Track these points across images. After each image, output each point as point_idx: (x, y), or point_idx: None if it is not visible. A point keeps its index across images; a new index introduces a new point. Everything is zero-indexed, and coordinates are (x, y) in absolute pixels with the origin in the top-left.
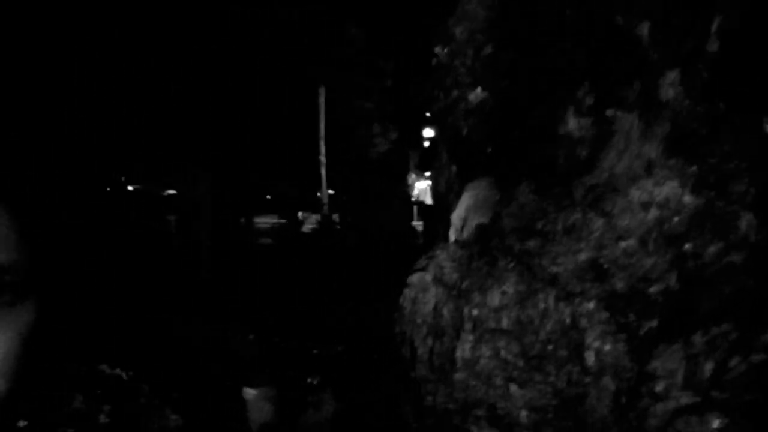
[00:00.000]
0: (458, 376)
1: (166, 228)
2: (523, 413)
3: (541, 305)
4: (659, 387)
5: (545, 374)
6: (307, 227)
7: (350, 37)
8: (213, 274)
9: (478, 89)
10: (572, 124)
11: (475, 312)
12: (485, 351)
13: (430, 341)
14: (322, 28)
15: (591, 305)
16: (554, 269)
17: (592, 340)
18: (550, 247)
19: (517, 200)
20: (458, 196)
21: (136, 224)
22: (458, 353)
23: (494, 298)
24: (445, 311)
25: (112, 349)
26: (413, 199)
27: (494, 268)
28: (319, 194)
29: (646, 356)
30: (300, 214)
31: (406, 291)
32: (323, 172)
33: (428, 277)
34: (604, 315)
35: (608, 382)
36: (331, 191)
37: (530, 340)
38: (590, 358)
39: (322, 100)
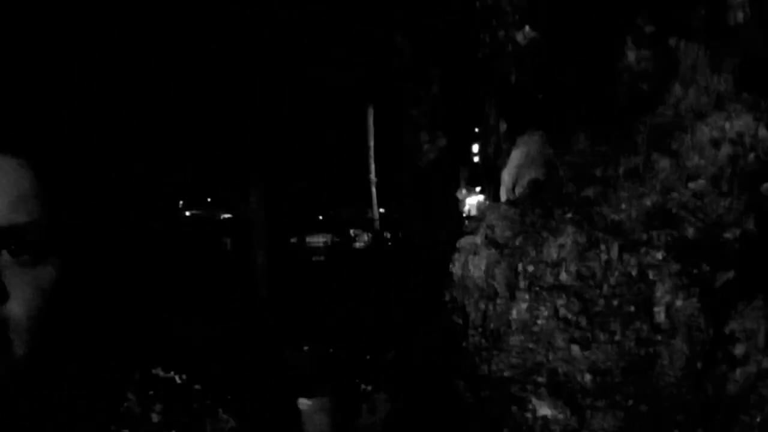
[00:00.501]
0: (514, 339)
1: (223, 250)
2: (587, 377)
3: (604, 257)
4: (738, 350)
5: (610, 333)
6: (358, 244)
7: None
8: (269, 290)
9: (526, 28)
10: (631, 56)
11: (530, 268)
12: (543, 310)
13: (482, 305)
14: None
15: (659, 255)
16: (617, 217)
17: (661, 294)
18: (611, 194)
19: (573, 148)
20: (508, 154)
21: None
22: (513, 315)
23: (551, 252)
24: (497, 272)
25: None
26: (464, 215)
27: (550, 220)
28: (370, 213)
29: (722, 313)
30: (352, 231)
31: (456, 256)
32: (374, 190)
33: (478, 239)
34: (675, 266)
35: (681, 344)
36: (382, 210)
37: (592, 296)
38: (660, 314)
39: (371, 119)
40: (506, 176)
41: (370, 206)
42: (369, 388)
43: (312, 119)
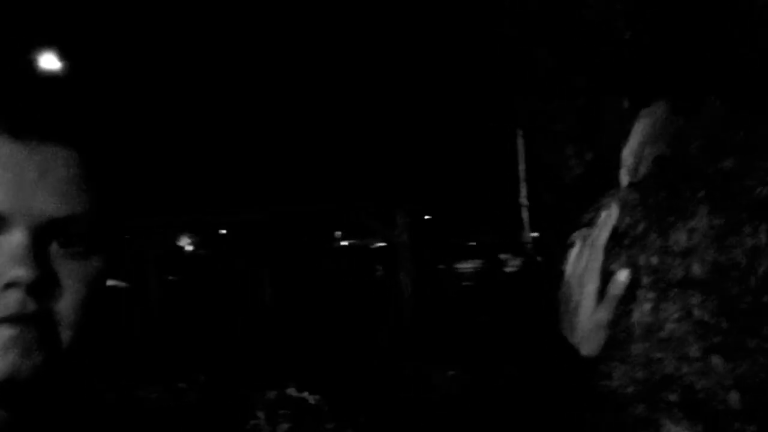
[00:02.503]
0: (637, 348)
1: (375, 276)
2: (734, 396)
3: (749, 242)
4: None
5: (761, 339)
6: (509, 269)
7: (540, 58)
8: (415, 314)
9: None
10: None
11: (654, 261)
12: (672, 312)
13: None
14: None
15: None
16: (765, 190)
17: None
18: (757, 164)
19: (705, 116)
20: (629, 132)
21: (348, 273)
22: (635, 317)
23: (680, 239)
24: (615, 267)
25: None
26: None
27: (677, 200)
28: (522, 237)
29: None
30: (502, 256)
31: (570, 252)
32: (525, 214)
33: (599, 240)
34: None
35: None
36: (535, 233)
37: (736, 292)
38: None
39: (520, 141)
40: (627, 155)
41: (522, 230)
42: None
43: (459, 143)
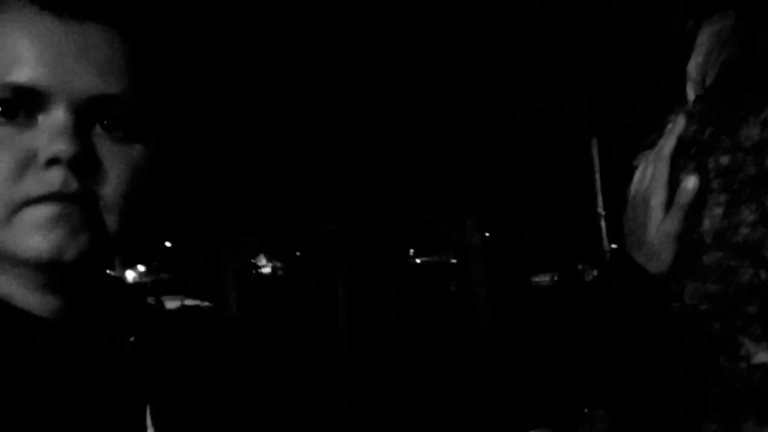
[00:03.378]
0: (709, 258)
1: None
2: None
3: None
4: None
5: None
6: (586, 279)
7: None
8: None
9: None
10: None
11: (724, 161)
12: (746, 213)
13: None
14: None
15: None
16: None
17: None
18: None
19: None
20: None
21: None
22: (706, 225)
23: (752, 133)
24: (682, 175)
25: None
26: None
27: (748, 94)
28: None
29: None
30: (579, 266)
31: (634, 177)
32: (603, 224)
33: (664, 150)
34: None
35: None
36: (614, 245)
37: None
38: None
39: (595, 150)
40: (692, 68)
41: (600, 241)
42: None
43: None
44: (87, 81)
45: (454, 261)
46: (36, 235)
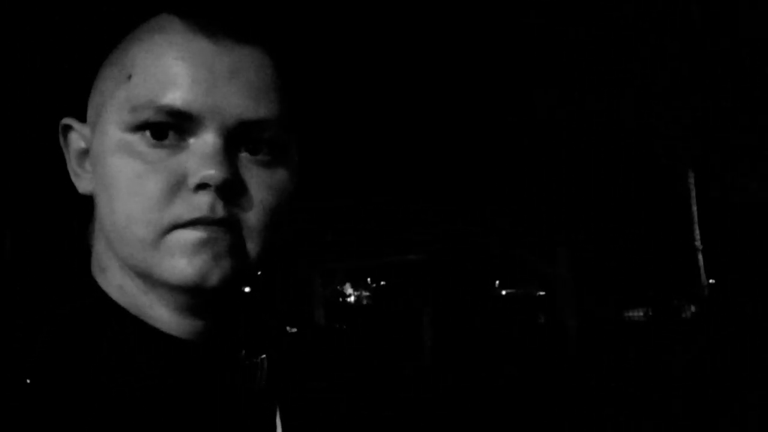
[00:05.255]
0: None
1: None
2: None
3: None
4: None
5: None
6: (683, 315)
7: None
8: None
9: None
10: None
11: None
12: None
13: None
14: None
15: None
16: None
17: None
18: None
19: None
20: None
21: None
22: None
23: None
24: None
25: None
26: None
27: None
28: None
29: None
30: (675, 302)
31: None
32: (700, 257)
33: None
34: None
35: None
36: (712, 280)
37: None
38: None
39: (692, 182)
40: None
41: (697, 275)
42: None
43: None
44: (237, 105)
45: (541, 293)
46: (182, 258)
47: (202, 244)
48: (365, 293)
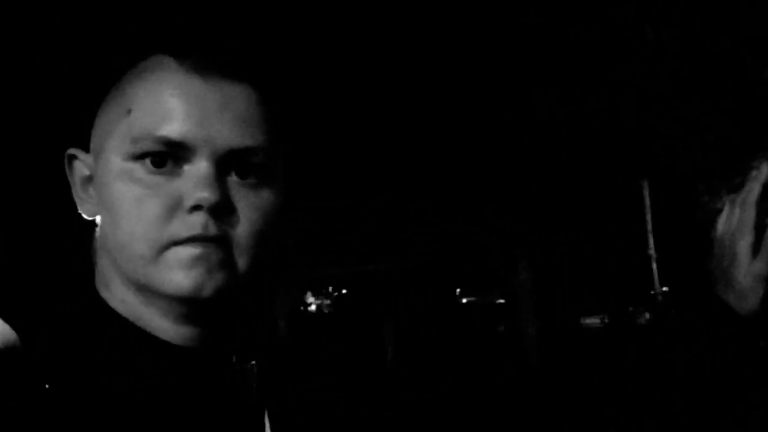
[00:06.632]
0: None
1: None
2: None
3: None
4: None
5: None
6: (639, 322)
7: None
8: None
9: None
10: None
11: None
12: None
13: None
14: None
15: None
16: None
17: None
18: None
19: None
20: None
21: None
22: None
23: None
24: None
25: None
26: None
27: None
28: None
29: None
30: (630, 309)
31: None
32: (654, 266)
33: (751, 196)
34: None
35: None
36: (665, 288)
37: None
38: None
39: (646, 192)
40: None
41: (651, 283)
42: None
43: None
44: (227, 135)
45: (501, 301)
46: (179, 272)
47: (197, 259)
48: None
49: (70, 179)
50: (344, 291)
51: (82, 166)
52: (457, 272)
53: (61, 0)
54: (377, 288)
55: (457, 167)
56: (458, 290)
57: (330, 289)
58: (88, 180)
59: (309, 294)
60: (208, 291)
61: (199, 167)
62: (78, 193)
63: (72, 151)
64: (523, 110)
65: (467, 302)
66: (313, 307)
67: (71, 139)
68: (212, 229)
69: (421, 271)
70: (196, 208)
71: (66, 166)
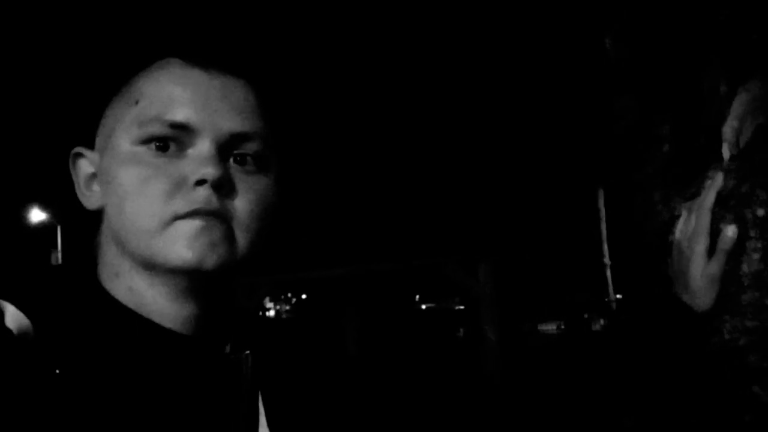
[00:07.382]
0: (747, 297)
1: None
2: None
3: None
4: None
5: None
6: (594, 328)
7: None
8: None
9: None
10: None
11: (760, 213)
12: None
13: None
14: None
15: None
16: None
17: None
18: None
19: None
20: (728, 106)
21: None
22: (744, 268)
23: None
24: (722, 226)
25: None
26: None
27: None
28: (606, 298)
29: None
30: (585, 316)
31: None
32: (608, 274)
33: (706, 202)
34: None
35: None
36: (619, 295)
37: None
38: None
39: (601, 202)
40: (727, 131)
41: (606, 290)
42: None
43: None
44: (228, 120)
45: (460, 307)
46: (183, 244)
47: (200, 232)
48: (285, 307)
49: (73, 176)
50: (304, 297)
51: (87, 163)
52: (419, 278)
53: (72, 10)
54: (337, 294)
55: (419, 176)
56: (417, 296)
57: (289, 294)
58: (93, 177)
59: (267, 299)
60: (210, 263)
61: (202, 149)
62: (81, 189)
63: (78, 149)
64: (485, 122)
65: (426, 308)
66: (271, 312)
67: (75, 139)
68: (215, 203)
69: (381, 277)
70: (200, 183)
71: (70, 165)
